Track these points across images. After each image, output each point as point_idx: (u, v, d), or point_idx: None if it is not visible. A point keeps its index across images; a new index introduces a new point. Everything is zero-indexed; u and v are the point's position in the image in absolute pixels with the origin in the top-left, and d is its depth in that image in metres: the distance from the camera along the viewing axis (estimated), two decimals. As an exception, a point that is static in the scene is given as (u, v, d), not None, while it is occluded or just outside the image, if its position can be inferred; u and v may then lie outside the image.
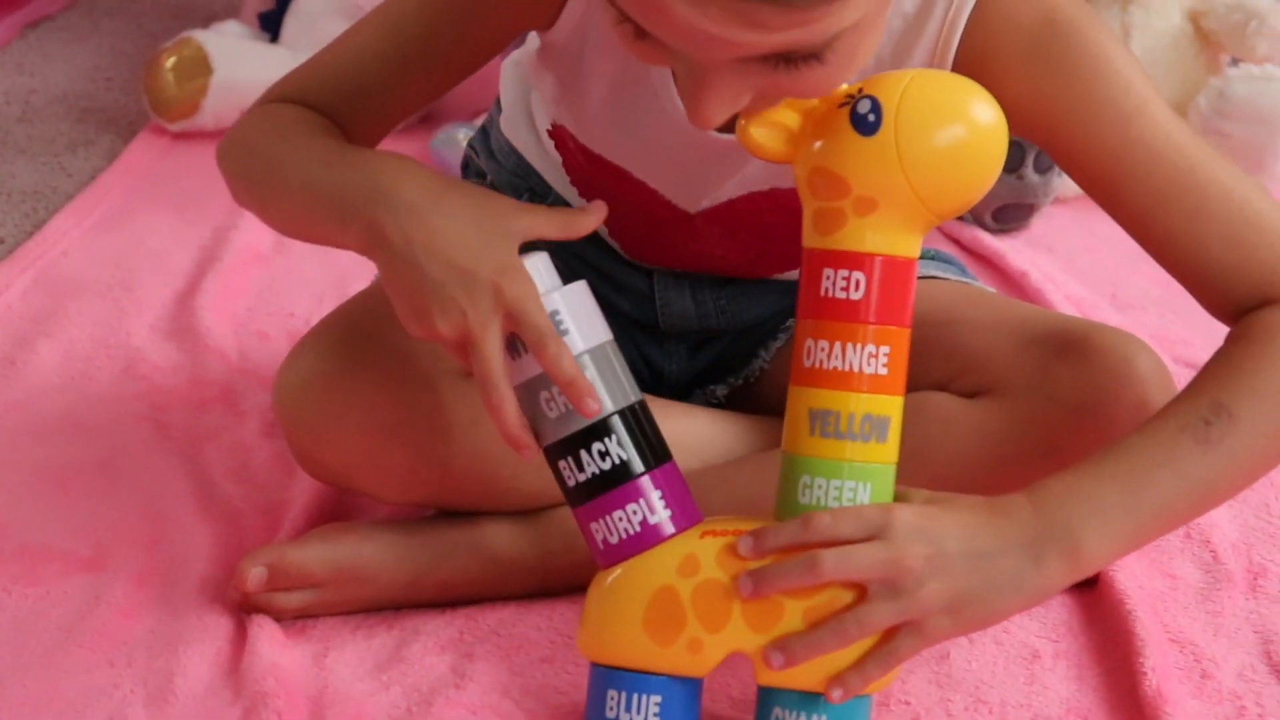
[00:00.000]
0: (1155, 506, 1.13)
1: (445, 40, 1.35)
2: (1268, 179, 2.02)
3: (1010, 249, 1.92)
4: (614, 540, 1.13)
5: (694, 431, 1.35)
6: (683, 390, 1.48)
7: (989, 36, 1.25)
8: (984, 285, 1.50)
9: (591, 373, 1.14)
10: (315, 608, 1.28)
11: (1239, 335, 1.20)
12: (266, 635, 1.21)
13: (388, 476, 1.29)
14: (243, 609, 1.27)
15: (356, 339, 1.31)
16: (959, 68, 1.24)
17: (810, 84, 1.11)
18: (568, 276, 1.22)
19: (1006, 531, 1.10)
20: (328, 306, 1.42)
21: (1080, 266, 1.92)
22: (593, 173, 1.41)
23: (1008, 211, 1.95)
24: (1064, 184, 2.00)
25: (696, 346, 1.48)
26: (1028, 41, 1.24)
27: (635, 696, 1.10)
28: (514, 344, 1.15)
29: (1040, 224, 2.00)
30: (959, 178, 1.13)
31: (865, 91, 1.12)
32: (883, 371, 1.11)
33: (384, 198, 1.16)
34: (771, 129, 1.15)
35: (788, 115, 1.15)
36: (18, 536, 1.36)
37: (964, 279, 1.44)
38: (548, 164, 1.44)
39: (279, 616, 1.26)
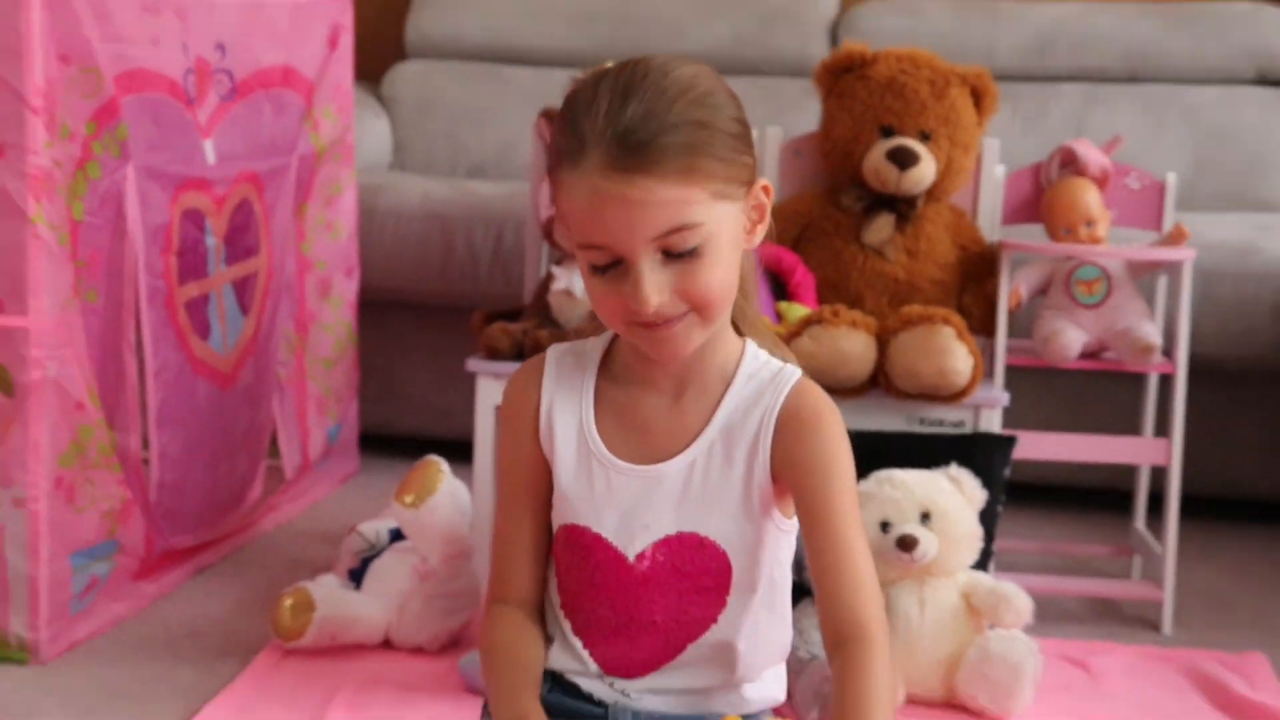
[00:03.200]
0: None
1: (520, 480, 1.62)
2: (1013, 707, 2.20)
3: None
4: None
5: None
6: None
7: (788, 413, 1.55)
8: None
9: None
10: None
11: (842, 681, 1.48)
12: None
13: None
14: None
15: None
16: (779, 422, 1.55)
17: (699, 278, 1.45)
18: None
19: None
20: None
21: None
22: (569, 555, 1.60)
23: None
24: None
25: None
26: (801, 427, 1.55)
27: None
28: None
29: None
30: None
31: None
32: None
33: None
34: None
35: None
36: None
37: None
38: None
39: None
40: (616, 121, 1.44)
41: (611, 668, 1.62)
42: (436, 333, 3.48)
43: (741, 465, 1.58)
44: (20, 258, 2.22)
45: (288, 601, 2.35)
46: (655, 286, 1.46)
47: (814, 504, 1.56)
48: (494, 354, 2.54)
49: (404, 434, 3.55)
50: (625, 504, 1.59)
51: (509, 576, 1.64)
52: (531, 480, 1.63)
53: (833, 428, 1.58)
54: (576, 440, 1.61)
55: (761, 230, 1.56)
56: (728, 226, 1.49)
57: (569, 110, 1.50)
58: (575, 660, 1.64)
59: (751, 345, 1.63)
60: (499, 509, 1.66)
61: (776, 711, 1.69)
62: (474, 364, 2.54)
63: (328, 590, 2.40)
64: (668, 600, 1.59)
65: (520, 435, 1.63)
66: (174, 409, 2.64)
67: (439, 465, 2.40)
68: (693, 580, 1.59)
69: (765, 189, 1.56)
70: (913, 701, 2.28)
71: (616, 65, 1.52)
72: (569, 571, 1.63)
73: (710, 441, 1.58)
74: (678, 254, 1.46)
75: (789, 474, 1.57)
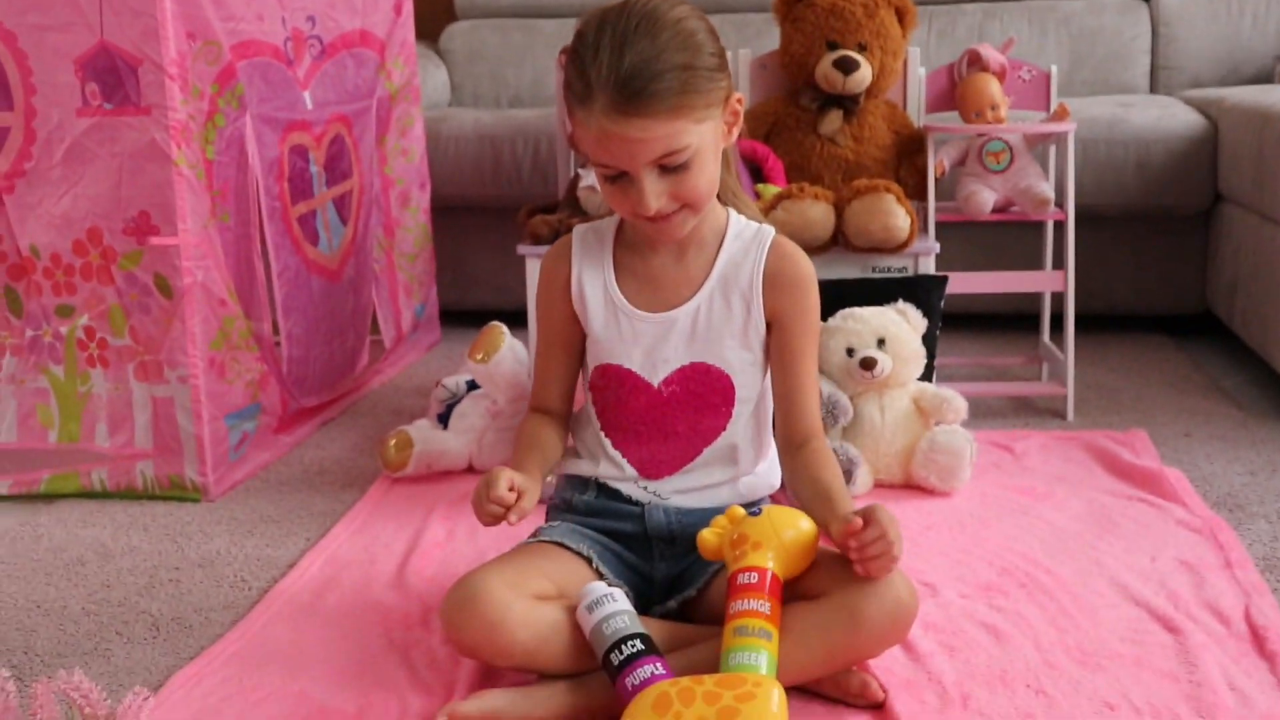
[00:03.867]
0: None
1: (553, 331, 1.65)
2: (957, 483, 2.17)
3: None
4: (637, 683, 1.37)
5: (657, 633, 1.49)
6: (664, 594, 1.60)
7: (773, 269, 1.59)
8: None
9: (628, 618, 1.43)
10: None
11: (812, 459, 1.56)
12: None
13: (497, 656, 1.46)
14: (437, 743, 1.41)
15: (487, 582, 1.46)
16: (767, 276, 1.57)
17: (688, 184, 1.46)
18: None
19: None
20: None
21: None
22: (604, 388, 1.62)
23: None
24: (857, 489, 2.13)
25: (672, 558, 1.61)
26: (788, 287, 1.58)
27: None
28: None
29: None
30: (799, 540, 1.46)
31: (750, 509, 1.47)
32: (766, 610, 1.40)
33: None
34: (712, 530, 1.49)
35: (723, 526, 1.49)
36: (317, 701, 1.53)
37: None
38: (589, 436, 1.65)
39: None
40: (616, 71, 1.40)
41: (645, 471, 1.62)
42: (493, 227, 3.45)
43: (739, 309, 1.58)
44: (169, 191, 2.20)
45: (392, 442, 2.33)
46: (654, 194, 1.44)
47: (789, 347, 1.59)
48: (537, 240, 2.50)
49: (473, 308, 3.51)
50: (647, 344, 1.59)
51: (544, 395, 1.67)
52: (562, 330, 1.63)
53: (810, 288, 1.59)
54: (604, 298, 1.60)
55: (737, 130, 1.54)
56: (709, 138, 1.47)
57: (577, 55, 1.45)
58: (616, 469, 1.64)
59: (733, 212, 1.62)
60: (537, 352, 1.69)
61: (773, 497, 1.70)
62: (523, 249, 2.50)
63: (422, 431, 2.37)
64: (686, 415, 1.60)
65: (554, 297, 1.63)
66: (295, 301, 2.63)
67: (501, 329, 2.37)
68: (704, 399, 1.60)
69: (738, 100, 1.53)
70: (879, 485, 2.26)
71: (615, 8, 1.46)
72: (606, 401, 1.63)
73: (711, 290, 1.58)
74: (671, 168, 1.44)
75: (776, 322, 1.59)
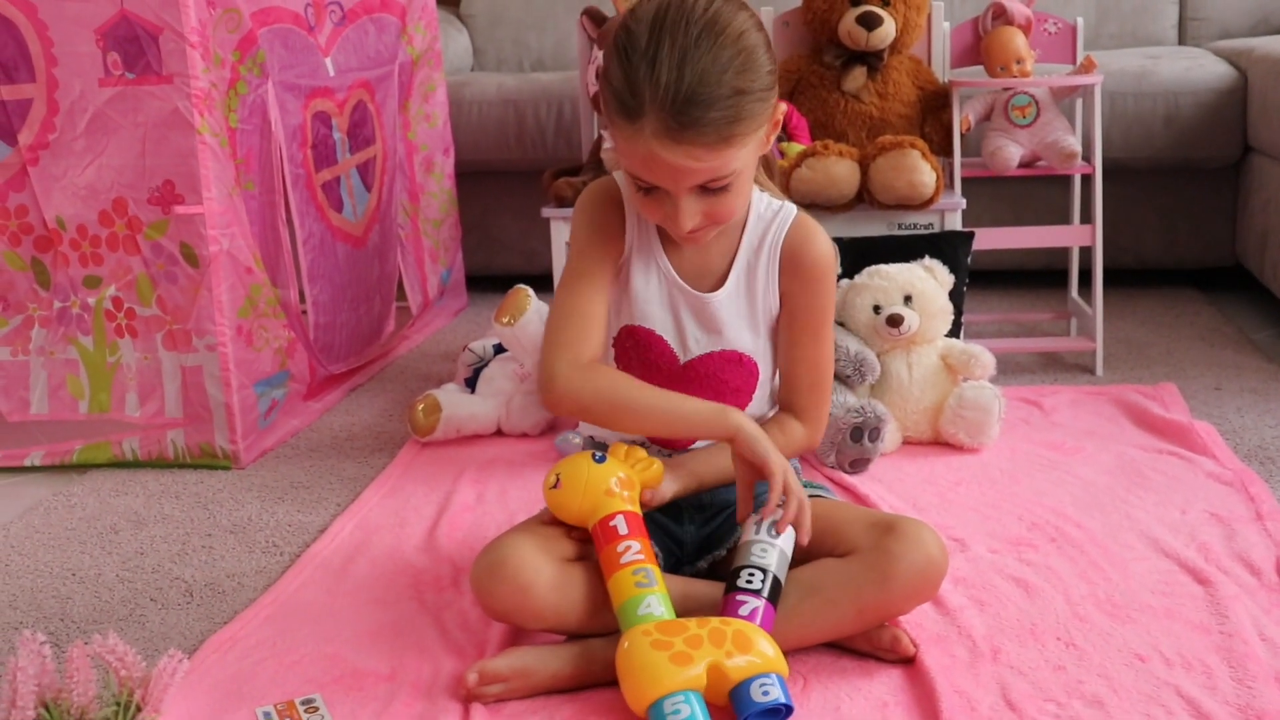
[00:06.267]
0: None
1: (602, 257, 1.52)
2: (985, 440, 2.16)
3: (858, 481, 2.04)
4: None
5: (689, 591, 1.51)
6: (694, 555, 1.60)
7: (790, 254, 1.54)
8: (840, 498, 1.71)
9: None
10: (504, 695, 1.42)
11: (791, 415, 1.58)
12: (479, 715, 1.40)
13: (528, 620, 1.46)
14: (466, 700, 1.42)
15: (516, 548, 1.46)
16: (783, 262, 1.53)
17: (727, 204, 1.41)
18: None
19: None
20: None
21: (894, 488, 2.02)
22: (630, 349, 1.56)
23: (857, 464, 2.06)
24: (885, 447, 2.13)
25: (702, 521, 1.60)
26: (805, 279, 1.54)
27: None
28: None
29: (873, 469, 2.09)
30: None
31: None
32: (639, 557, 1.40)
33: (733, 417, 1.46)
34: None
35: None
36: (350, 663, 1.54)
37: (832, 497, 1.63)
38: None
39: (485, 702, 1.42)
40: (673, 92, 1.31)
41: (662, 443, 1.59)
42: (517, 191, 3.45)
43: (760, 292, 1.55)
44: (193, 160, 2.20)
45: (420, 406, 2.34)
46: (690, 215, 1.39)
47: (792, 328, 1.56)
48: (562, 202, 2.49)
49: (499, 272, 3.52)
50: (680, 317, 1.55)
51: (589, 339, 1.49)
52: (607, 268, 1.52)
53: (825, 277, 1.54)
54: (650, 260, 1.54)
55: (774, 135, 1.47)
56: (752, 154, 1.41)
57: (626, 58, 1.35)
58: (633, 435, 1.60)
59: (756, 191, 1.55)
60: (574, 287, 1.51)
61: (801, 459, 1.73)
62: (547, 211, 2.50)
63: (450, 395, 2.38)
64: (706, 395, 1.55)
65: (610, 232, 1.53)
66: (321, 268, 2.63)
67: (527, 291, 2.36)
68: (727, 384, 1.56)
69: (779, 108, 1.45)
70: (909, 443, 2.26)
71: (674, 6, 1.35)
72: (629, 363, 1.58)
73: (738, 276, 1.53)
74: (713, 190, 1.39)
75: (786, 302, 1.55)
